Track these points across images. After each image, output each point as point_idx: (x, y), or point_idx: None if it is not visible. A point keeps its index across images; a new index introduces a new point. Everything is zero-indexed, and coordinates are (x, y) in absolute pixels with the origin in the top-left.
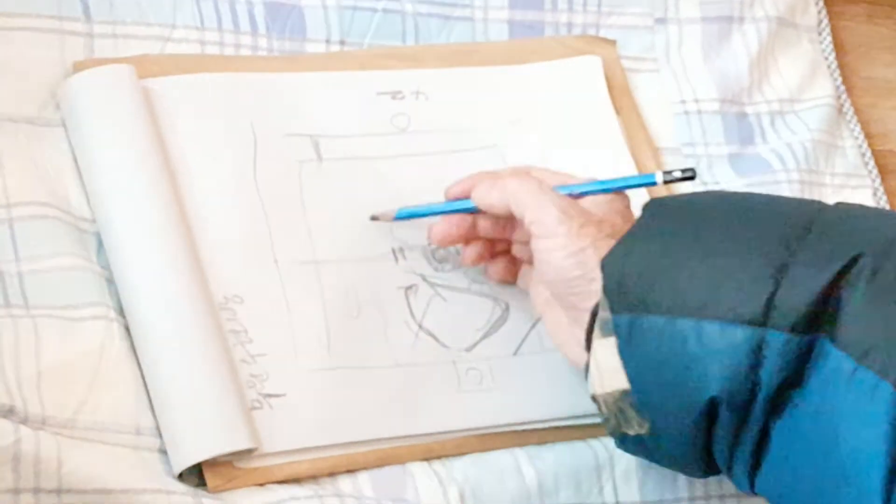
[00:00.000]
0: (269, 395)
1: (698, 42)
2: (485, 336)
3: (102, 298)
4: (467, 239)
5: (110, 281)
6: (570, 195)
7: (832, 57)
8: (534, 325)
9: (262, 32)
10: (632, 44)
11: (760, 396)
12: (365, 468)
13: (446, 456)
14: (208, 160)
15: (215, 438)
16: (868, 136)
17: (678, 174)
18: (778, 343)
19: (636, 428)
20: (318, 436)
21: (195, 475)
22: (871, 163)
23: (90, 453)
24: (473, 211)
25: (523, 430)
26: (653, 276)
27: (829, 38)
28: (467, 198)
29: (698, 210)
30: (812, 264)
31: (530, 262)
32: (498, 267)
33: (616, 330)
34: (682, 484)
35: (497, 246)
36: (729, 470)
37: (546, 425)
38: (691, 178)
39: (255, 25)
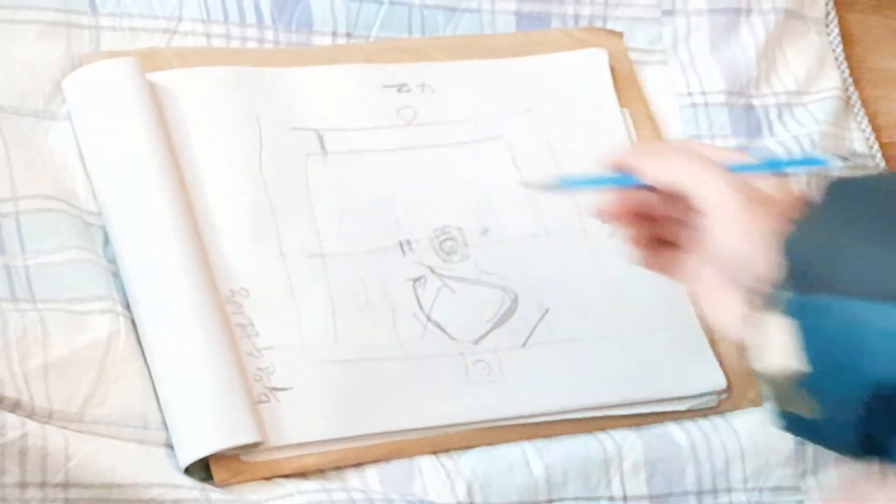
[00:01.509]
0: (276, 389)
1: (706, 34)
2: (493, 328)
3: (109, 292)
4: (627, 217)
5: (116, 275)
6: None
7: (840, 49)
8: (542, 317)
9: (269, 25)
10: (639, 36)
11: None
12: (372, 462)
13: (454, 449)
14: (214, 153)
15: (221, 432)
16: (875, 128)
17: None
18: None
19: (804, 410)
20: (324, 429)
21: (202, 469)
22: (879, 155)
23: (97, 447)
24: (637, 185)
25: (531, 423)
26: (833, 258)
27: (837, 30)
28: (626, 172)
29: (880, 193)
30: None
31: (689, 246)
32: (649, 254)
33: (791, 310)
34: (689, 478)
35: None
36: None
37: (554, 417)
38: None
39: (262, 18)
